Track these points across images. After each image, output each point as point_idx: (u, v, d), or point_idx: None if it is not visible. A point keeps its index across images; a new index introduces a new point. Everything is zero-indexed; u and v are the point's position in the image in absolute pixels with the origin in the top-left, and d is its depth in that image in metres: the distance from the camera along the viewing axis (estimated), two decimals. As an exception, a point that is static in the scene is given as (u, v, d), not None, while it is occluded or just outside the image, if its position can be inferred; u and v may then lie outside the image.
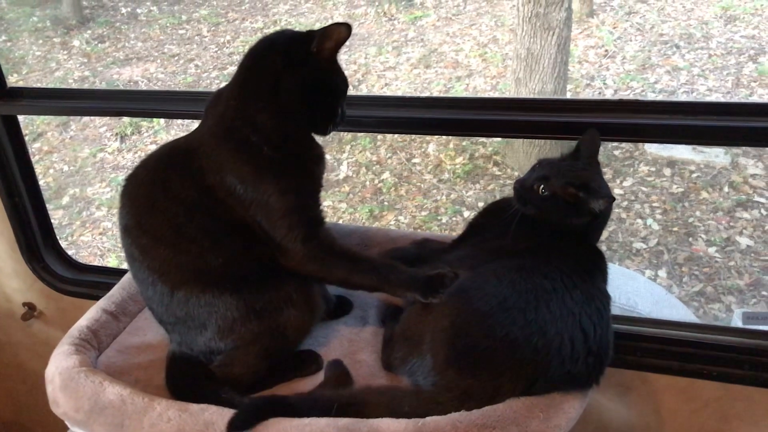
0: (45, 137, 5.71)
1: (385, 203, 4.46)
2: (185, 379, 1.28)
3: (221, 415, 1.13)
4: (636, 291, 2.46)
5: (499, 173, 4.57)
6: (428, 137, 4.88)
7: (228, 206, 1.24)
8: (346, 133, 4.98)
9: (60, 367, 1.26)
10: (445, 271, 1.25)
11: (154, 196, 1.27)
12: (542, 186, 1.31)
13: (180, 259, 1.23)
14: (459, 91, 5.21)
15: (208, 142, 1.26)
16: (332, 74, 1.30)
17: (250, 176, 1.22)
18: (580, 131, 1.39)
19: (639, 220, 3.98)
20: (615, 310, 1.30)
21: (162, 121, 5.52)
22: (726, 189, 4.08)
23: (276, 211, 1.23)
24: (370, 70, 5.66)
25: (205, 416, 1.14)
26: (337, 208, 4.48)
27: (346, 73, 1.34)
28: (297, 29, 1.31)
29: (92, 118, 5.71)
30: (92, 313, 1.45)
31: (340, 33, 1.24)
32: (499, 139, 4.72)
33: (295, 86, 1.25)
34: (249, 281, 1.25)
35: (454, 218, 4.25)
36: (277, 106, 1.25)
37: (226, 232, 1.25)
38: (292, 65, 1.25)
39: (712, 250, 3.74)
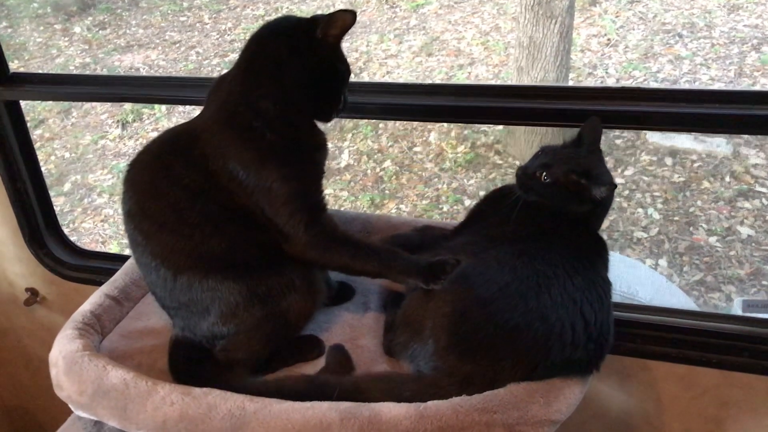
0: (46, 124, 5.70)
1: (387, 192, 4.46)
2: (188, 364, 1.29)
3: (224, 399, 1.14)
4: (637, 279, 2.47)
5: (501, 162, 4.57)
6: (430, 126, 4.87)
7: (230, 192, 1.24)
8: (347, 122, 4.98)
9: (64, 350, 1.27)
10: (446, 257, 1.25)
11: (156, 181, 1.27)
12: (544, 173, 1.32)
13: (183, 244, 1.24)
14: (461, 79, 5.19)
15: (211, 127, 1.26)
16: (336, 61, 1.30)
17: (253, 162, 1.23)
18: (582, 119, 1.39)
19: (640, 210, 3.98)
20: (616, 298, 1.31)
21: (163, 108, 5.52)
22: (727, 179, 4.08)
23: (278, 198, 1.23)
24: (371, 57, 5.64)
25: (208, 399, 1.14)
26: (339, 196, 4.48)
27: (348, 60, 1.35)
28: (299, 15, 1.31)
29: (93, 105, 5.70)
30: (96, 297, 1.46)
31: (345, 20, 1.24)
32: (500, 127, 4.72)
33: (299, 72, 1.25)
34: (252, 266, 1.25)
35: (455, 207, 4.26)
36: (281, 92, 1.25)
37: (229, 218, 1.25)
38: (297, 51, 1.25)
39: (712, 239, 3.75)
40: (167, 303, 1.30)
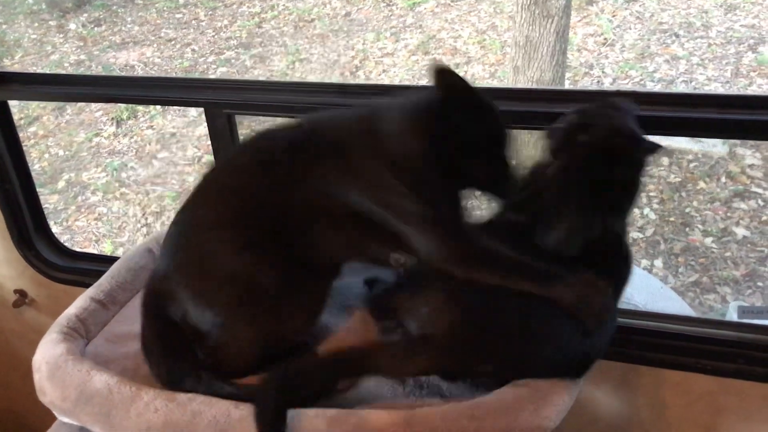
0: (40, 121, 5.68)
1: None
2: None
3: (208, 405, 1.12)
4: (632, 283, 2.45)
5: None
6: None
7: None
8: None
9: (47, 355, 1.25)
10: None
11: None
12: (582, 135, 1.21)
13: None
14: (457, 78, 5.18)
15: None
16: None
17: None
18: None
19: (636, 210, 3.98)
20: (610, 302, 1.29)
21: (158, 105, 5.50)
22: (723, 179, 4.08)
23: (412, 214, 1.15)
24: (368, 56, 5.62)
25: (192, 406, 1.12)
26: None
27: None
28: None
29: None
30: (81, 301, 1.44)
31: None
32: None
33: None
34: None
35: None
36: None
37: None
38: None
39: (708, 240, 3.74)
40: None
